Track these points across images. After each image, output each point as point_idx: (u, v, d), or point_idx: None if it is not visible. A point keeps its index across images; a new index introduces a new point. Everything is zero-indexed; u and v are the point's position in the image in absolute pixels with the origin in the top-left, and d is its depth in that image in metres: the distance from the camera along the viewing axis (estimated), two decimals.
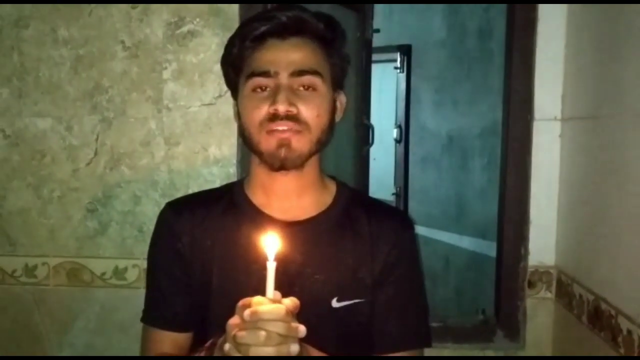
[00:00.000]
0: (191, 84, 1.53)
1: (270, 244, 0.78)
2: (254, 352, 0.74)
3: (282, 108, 0.94)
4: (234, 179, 1.50)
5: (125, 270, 1.56)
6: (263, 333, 0.74)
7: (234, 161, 1.54)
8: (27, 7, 1.53)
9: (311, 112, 0.97)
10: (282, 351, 0.75)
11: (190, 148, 1.54)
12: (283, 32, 0.99)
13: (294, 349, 0.76)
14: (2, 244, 1.58)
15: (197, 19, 1.52)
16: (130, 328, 1.53)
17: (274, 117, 0.95)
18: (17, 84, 1.55)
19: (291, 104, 0.95)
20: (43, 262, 1.58)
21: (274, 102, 0.95)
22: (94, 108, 1.54)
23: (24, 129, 1.56)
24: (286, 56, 0.97)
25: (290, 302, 0.78)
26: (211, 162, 1.54)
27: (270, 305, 0.75)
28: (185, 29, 1.52)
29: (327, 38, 1.02)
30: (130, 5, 1.52)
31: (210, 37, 1.52)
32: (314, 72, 0.98)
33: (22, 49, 1.54)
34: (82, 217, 1.57)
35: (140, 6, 1.52)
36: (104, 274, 1.57)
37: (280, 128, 0.95)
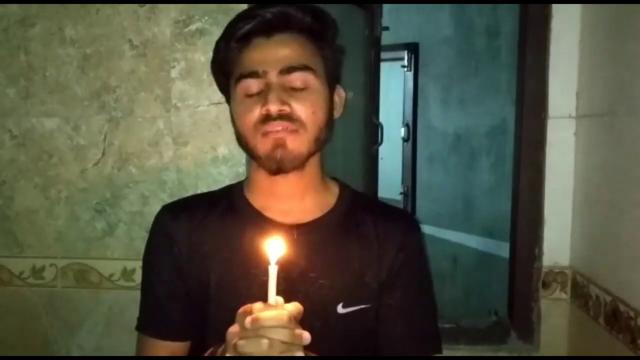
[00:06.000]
0: (199, 82, 1.51)
1: (273, 248, 0.75)
2: None
3: (273, 108, 0.90)
4: (243, 178, 1.47)
5: (133, 272, 1.55)
6: (265, 341, 0.70)
7: (243, 161, 1.52)
8: (34, 6, 1.52)
9: (305, 109, 0.92)
10: None
11: (199, 148, 1.52)
12: (268, 29, 0.95)
13: (299, 356, 0.73)
14: (9, 246, 1.57)
15: (206, 17, 1.50)
16: None
17: (266, 118, 0.91)
18: (24, 84, 1.54)
19: (283, 102, 0.91)
20: (51, 263, 1.57)
21: (265, 102, 0.91)
22: (101, 108, 1.53)
23: (31, 129, 1.54)
24: (273, 54, 0.93)
25: (293, 307, 0.75)
26: (220, 161, 1.52)
27: (272, 311, 0.72)
28: (193, 27, 1.51)
29: (316, 31, 0.97)
30: (138, 3, 1.50)
31: (219, 36, 1.50)
32: (305, 68, 0.93)
33: (29, 48, 1.53)
34: (90, 218, 1.55)
35: (148, 4, 1.50)
36: (112, 275, 1.56)
37: (274, 129, 0.91)
